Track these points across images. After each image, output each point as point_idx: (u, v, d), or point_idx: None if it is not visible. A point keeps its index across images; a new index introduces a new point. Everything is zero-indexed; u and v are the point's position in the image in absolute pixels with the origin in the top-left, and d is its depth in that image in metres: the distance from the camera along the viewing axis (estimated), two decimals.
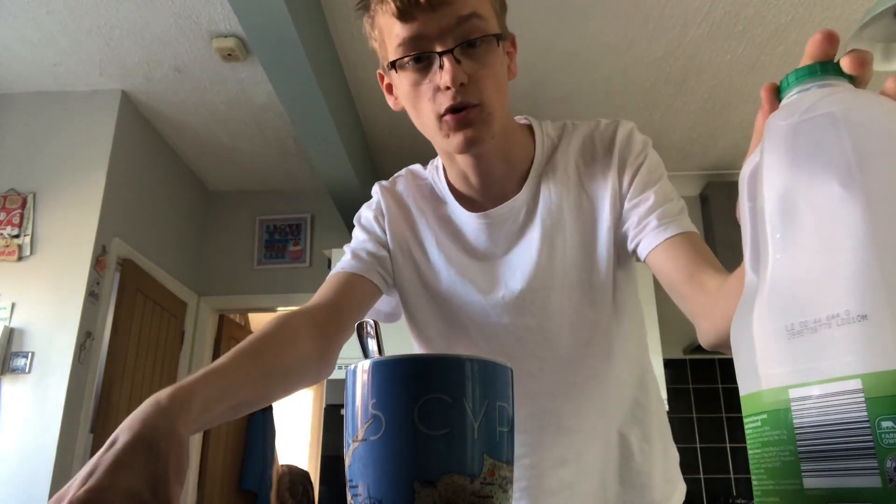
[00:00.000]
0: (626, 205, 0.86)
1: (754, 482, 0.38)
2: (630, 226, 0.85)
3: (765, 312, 0.38)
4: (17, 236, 3.19)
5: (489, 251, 0.91)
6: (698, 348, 3.99)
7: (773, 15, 2.97)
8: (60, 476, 2.88)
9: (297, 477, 5.33)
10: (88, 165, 3.32)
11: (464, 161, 0.88)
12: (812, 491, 0.34)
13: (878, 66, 2.00)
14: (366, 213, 0.98)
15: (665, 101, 3.61)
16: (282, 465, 5.37)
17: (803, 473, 0.35)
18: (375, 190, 1.00)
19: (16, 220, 3.21)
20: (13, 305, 3.07)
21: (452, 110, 0.78)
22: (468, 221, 0.92)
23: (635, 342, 0.97)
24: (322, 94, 2.88)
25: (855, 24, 2.37)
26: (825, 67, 0.40)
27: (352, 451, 0.44)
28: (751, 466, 0.39)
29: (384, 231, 0.96)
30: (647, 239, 0.82)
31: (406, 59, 0.78)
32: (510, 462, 0.46)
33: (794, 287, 0.37)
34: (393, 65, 0.80)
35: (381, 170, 4.19)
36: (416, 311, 0.96)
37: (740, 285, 0.60)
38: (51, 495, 2.79)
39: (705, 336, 0.74)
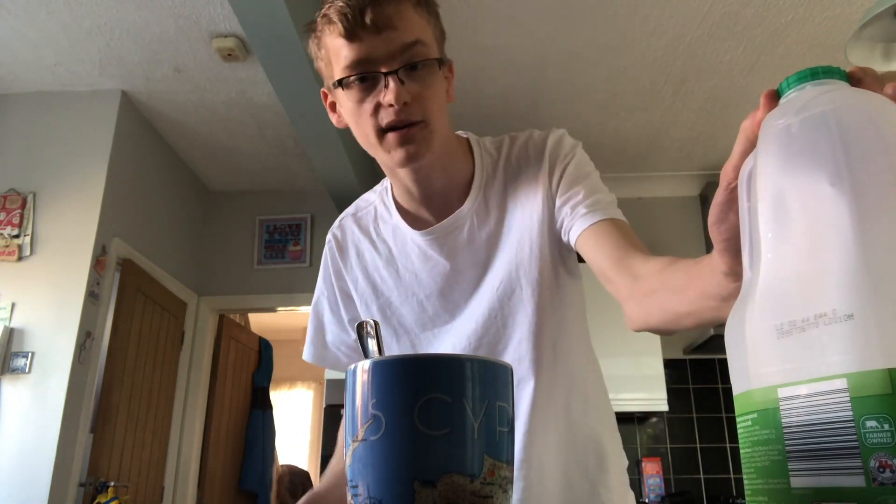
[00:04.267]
0: (558, 202, 0.91)
1: (745, 481, 0.39)
2: (564, 217, 0.90)
3: (756, 312, 0.39)
4: (17, 236, 3.19)
5: (437, 264, 0.95)
6: (698, 348, 4.00)
7: (773, 15, 2.97)
8: (60, 476, 2.88)
9: (297, 477, 5.33)
10: (88, 165, 3.32)
11: (406, 175, 0.92)
12: (799, 490, 0.34)
13: (878, 66, 2.00)
14: (320, 287, 1.07)
15: (665, 101, 3.61)
16: (282, 465, 5.37)
17: (790, 473, 0.35)
18: (325, 248, 1.07)
19: (16, 220, 3.21)
20: (13, 305, 3.07)
21: (396, 127, 0.82)
22: (415, 239, 0.96)
23: (581, 341, 1.00)
24: None
25: (855, 24, 2.37)
26: (823, 69, 0.40)
27: (352, 451, 0.44)
28: (742, 465, 0.39)
29: (342, 288, 1.04)
30: (577, 225, 0.87)
31: (353, 78, 0.82)
32: (510, 462, 0.46)
33: (783, 286, 0.37)
34: (339, 83, 0.84)
35: (381, 170, 4.18)
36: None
37: (688, 281, 0.64)
38: (51, 495, 2.79)
39: (635, 321, 0.78)
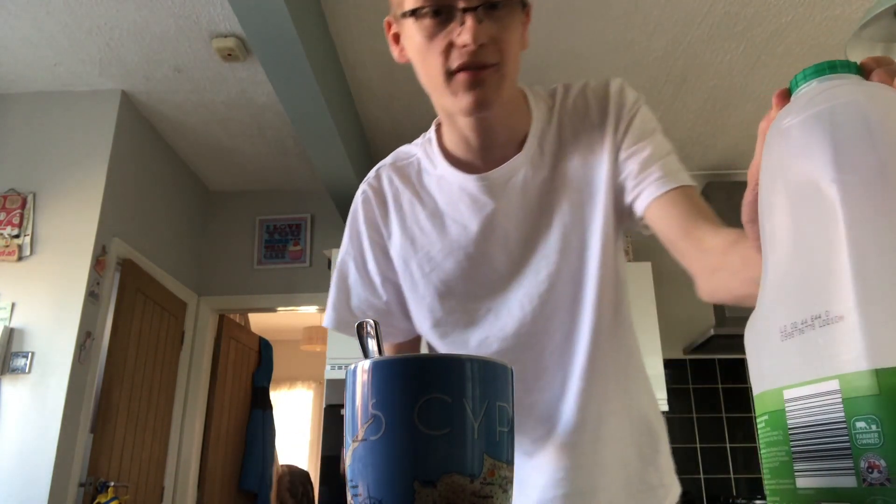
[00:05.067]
0: (622, 154, 0.85)
1: (764, 482, 0.40)
2: (629, 175, 0.84)
3: (764, 314, 0.39)
4: (17, 236, 3.19)
5: (490, 213, 0.88)
6: (698, 348, 3.99)
7: (773, 15, 2.97)
8: (60, 476, 2.88)
9: (297, 477, 5.33)
10: (88, 165, 3.32)
11: (466, 123, 0.85)
12: (803, 490, 0.35)
13: None
14: (346, 249, 0.99)
15: (665, 101, 3.61)
16: (282, 465, 5.37)
17: (796, 473, 0.35)
18: (357, 200, 0.99)
19: (16, 220, 3.21)
20: (13, 305, 3.07)
21: (468, 67, 0.76)
22: (465, 184, 0.89)
23: (629, 317, 0.96)
24: (322, 94, 2.88)
25: (855, 24, 2.37)
26: (830, 64, 0.39)
27: (352, 451, 0.44)
28: (762, 466, 0.40)
29: (381, 244, 0.96)
30: (649, 190, 0.82)
31: (426, 10, 0.76)
32: (510, 462, 0.46)
33: (785, 288, 0.37)
34: (412, 13, 0.77)
35: None
36: (414, 289, 0.94)
37: (742, 265, 0.64)
38: (51, 495, 2.79)
39: (704, 294, 0.77)
